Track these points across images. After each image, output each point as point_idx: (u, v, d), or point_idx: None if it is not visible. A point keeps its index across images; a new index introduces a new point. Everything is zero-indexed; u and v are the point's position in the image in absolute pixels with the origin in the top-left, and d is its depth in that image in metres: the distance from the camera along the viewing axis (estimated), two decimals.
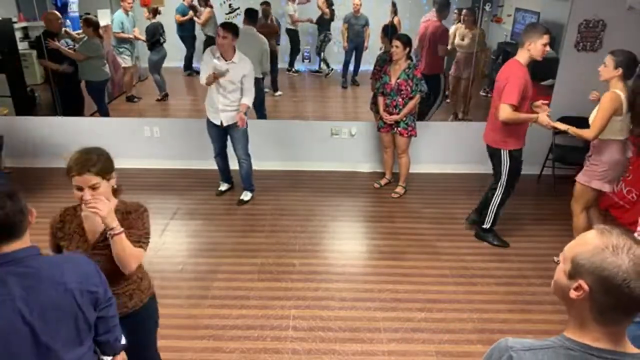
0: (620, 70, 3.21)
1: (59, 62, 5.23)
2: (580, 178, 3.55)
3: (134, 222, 1.97)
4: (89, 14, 5.78)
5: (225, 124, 4.38)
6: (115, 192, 2.04)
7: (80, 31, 5.61)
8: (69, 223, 1.97)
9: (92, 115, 5.69)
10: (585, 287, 1.06)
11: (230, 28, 4.14)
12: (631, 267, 1.01)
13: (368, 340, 3.02)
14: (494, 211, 3.95)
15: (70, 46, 5.30)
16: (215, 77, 4.15)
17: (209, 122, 4.47)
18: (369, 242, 4.12)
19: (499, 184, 3.86)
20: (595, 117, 3.28)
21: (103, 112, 5.55)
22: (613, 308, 1.06)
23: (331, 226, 4.35)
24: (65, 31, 5.48)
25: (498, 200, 3.91)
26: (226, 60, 4.19)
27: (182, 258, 3.84)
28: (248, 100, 4.34)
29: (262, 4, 5.91)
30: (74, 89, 5.49)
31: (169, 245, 4.01)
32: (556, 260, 3.78)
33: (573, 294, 1.08)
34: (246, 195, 4.71)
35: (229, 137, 4.56)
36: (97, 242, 1.93)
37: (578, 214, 3.61)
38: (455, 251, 3.95)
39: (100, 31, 5.38)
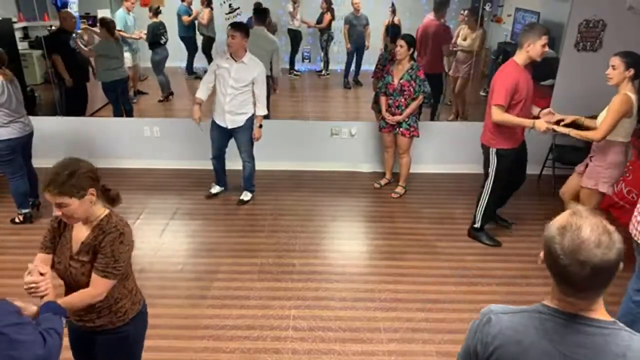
0: (632, 71, 3.15)
1: (72, 60, 5.29)
2: (586, 183, 3.48)
3: (104, 247, 1.83)
4: (88, 13, 5.79)
5: (230, 127, 4.34)
6: (112, 201, 1.95)
7: (81, 30, 5.62)
8: (64, 225, 1.95)
9: (92, 115, 5.70)
10: (542, 255, 1.19)
11: (238, 27, 4.10)
12: (568, 245, 1.11)
13: (368, 340, 3.02)
14: (482, 211, 3.95)
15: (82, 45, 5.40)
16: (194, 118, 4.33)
17: (214, 123, 4.43)
18: (369, 242, 4.12)
19: (487, 183, 3.86)
20: (605, 118, 3.23)
21: (116, 113, 5.56)
22: (559, 279, 1.17)
23: (331, 226, 4.35)
24: (86, 28, 5.56)
25: (486, 199, 3.90)
26: (235, 61, 4.16)
27: (181, 258, 3.84)
28: (262, 109, 4.32)
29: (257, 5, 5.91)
30: (80, 88, 5.51)
31: (168, 245, 4.01)
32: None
33: (539, 260, 1.21)
34: (246, 196, 4.70)
35: (232, 139, 4.53)
36: (75, 254, 1.89)
37: None
38: (455, 251, 3.95)
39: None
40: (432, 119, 5.55)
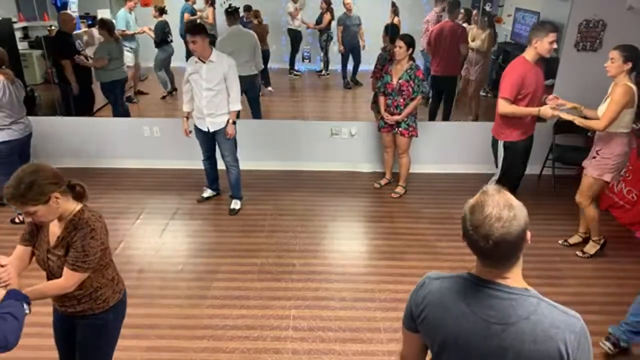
0: (630, 64, 3.26)
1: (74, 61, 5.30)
2: (591, 172, 3.58)
3: (75, 242, 1.89)
4: (88, 13, 5.80)
5: (212, 130, 4.26)
6: (80, 197, 1.98)
7: (81, 30, 5.63)
8: None
9: (92, 115, 5.70)
10: (462, 232, 1.30)
11: (195, 30, 3.96)
12: (474, 221, 1.23)
13: (368, 340, 3.02)
14: None
15: (82, 47, 5.39)
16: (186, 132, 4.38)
17: (196, 128, 4.36)
18: (369, 242, 4.12)
19: (496, 175, 3.97)
20: (607, 108, 3.33)
21: (116, 113, 5.56)
22: (474, 252, 1.29)
23: (331, 226, 4.35)
24: (85, 32, 5.58)
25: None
26: (204, 62, 4.05)
27: (181, 258, 3.84)
28: (236, 105, 4.22)
29: (246, 8, 5.94)
30: (87, 89, 5.52)
31: (168, 245, 4.01)
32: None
33: (462, 238, 1.31)
34: (236, 204, 4.56)
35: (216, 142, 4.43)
36: (52, 247, 1.96)
37: (588, 205, 3.68)
38: (455, 251, 3.95)
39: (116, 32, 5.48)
40: (445, 120, 5.56)
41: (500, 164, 3.91)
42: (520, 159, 3.88)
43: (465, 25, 5.64)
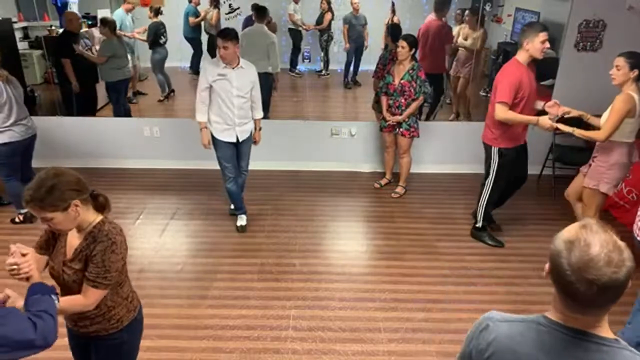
0: (636, 72, 3.14)
1: (82, 62, 5.26)
2: (588, 183, 3.49)
3: (95, 257, 1.79)
4: (88, 13, 5.79)
5: (241, 139, 4.01)
6: (101, 207, 1.91)
7: (82, 30, 5.62)
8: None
9: (93, 114, 5.70)
10: (547, 268, 1.15)
11: (230, 36, 3.70)
12: (575, 262, 1.06)
13: (368, 340, 3.02)
14: (483, 208, 3.98)
15: (89, 46, 5.38)
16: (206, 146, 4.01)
17: (222, 144, 3.97)
18: (369, 242, 4.12)
19: (487, 181, 3.89)
20: (607, 118, 3.23)
21: (117, 112, 5.54)
22: (564, 294, 1.11)
23: (331, 226, 4.35)
24: (86, 32, 5.56)
25: (486, 198, 3.92)
26: (233, 68, 3.86)
27: (181, 258, 3.84)
28: (261, 112, 4.13)
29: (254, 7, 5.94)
30: (90, 89, 5.51)
31: (169, 245, 4.01)
32: None
33: (544, 272, 1.17)
34: (243, 220, 4.31)
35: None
36: (69, 260, 1.86)
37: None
38: (455, 251, 3.95)
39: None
40: (427, 119, 5.53)
41: (492, 171, 3.80)
42: (513, 164, 3.82)
43: (463, 25, 5.63)
